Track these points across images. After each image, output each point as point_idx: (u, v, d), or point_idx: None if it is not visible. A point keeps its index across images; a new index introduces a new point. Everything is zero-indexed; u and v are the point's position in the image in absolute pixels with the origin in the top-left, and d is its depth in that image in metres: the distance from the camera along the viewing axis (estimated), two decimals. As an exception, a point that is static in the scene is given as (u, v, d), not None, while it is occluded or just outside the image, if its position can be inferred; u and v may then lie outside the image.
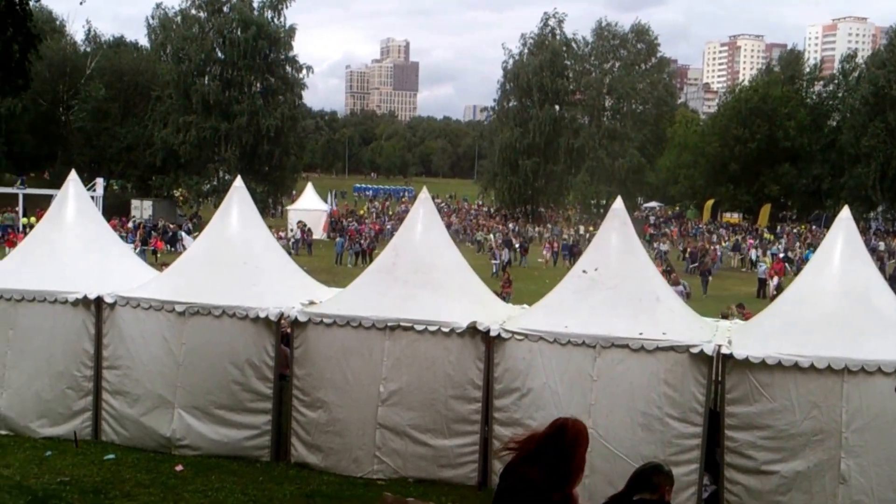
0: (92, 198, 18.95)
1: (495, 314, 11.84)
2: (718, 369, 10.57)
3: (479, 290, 12.70)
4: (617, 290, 11.15)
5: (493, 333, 11.10)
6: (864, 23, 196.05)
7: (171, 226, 50.86)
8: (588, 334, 10.73)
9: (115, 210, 52.10)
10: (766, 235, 60.28)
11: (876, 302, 10.48)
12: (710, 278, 37.91)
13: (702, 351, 10.35)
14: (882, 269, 34.61)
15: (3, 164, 57.10)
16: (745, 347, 10.28)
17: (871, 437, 9.78)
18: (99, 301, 12.27)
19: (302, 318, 11.68)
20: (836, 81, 76.53)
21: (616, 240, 11.69)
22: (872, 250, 32.43)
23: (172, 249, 42.96)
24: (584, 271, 11.56)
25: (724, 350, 10.30)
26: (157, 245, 43.43)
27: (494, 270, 39.62)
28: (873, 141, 65.19)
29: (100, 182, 50.56)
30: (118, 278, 12.77)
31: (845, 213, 11.35)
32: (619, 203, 12.12)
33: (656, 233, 61.89)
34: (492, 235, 53.42)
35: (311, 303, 12.26)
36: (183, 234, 46.13)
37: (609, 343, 10.64)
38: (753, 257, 47.18)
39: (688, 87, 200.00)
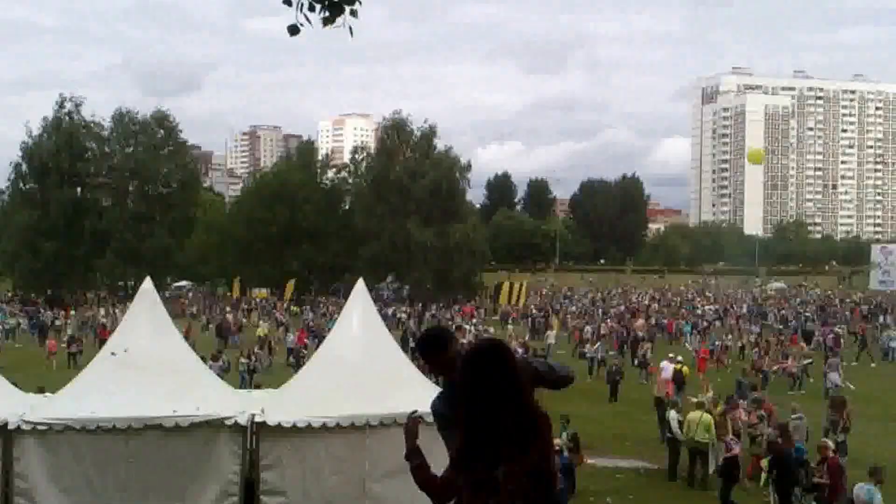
0: None
1: None
2: (252, 439, 10.85)
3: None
4: (149, 370, 10.95)
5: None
6: (368, 118, 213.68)
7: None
8: (120, 417, 10.35)
9: None
10: (294, 308, 62.97)
11: (391, 361, 11.59)
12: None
13: (236, 423, 10.61)
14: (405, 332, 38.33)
15: None
16: (277, 415, 10.67)
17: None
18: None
19: None
20: (348, 169, 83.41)
21: (146, 320, 11.55)
22: (384, 316, 35.44)
23: None
24: (112, 353, 11.21)
25: (258, 419, 10.63)
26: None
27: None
28: (380, 220, 72.09)
29: None
30: None
31: (360, 286, 12.49)
32: (147, 283, 12.02)
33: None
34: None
35: None
36: None
37: (142, 424, 10.37)
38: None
39: (213, 172, 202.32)
